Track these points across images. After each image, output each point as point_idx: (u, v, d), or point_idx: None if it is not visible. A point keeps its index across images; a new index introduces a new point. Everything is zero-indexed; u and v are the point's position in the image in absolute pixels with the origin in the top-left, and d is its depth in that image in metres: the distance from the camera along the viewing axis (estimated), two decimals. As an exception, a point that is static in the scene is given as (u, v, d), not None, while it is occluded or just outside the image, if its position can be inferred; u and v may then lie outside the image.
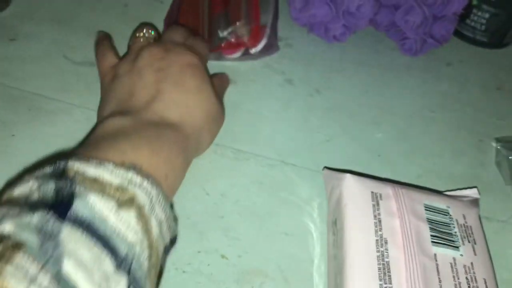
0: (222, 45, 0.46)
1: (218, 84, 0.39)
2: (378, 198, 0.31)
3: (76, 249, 0.20)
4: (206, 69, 0.36)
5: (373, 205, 0.31)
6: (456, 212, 0.32)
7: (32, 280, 0.18)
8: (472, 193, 0.36)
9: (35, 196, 0.21)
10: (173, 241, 0.27)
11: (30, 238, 0.19)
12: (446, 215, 0.32)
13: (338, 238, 0.31)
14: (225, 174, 0.38)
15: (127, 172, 0.24)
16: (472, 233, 0.31)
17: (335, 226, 0.32)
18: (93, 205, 0.21)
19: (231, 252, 0.33)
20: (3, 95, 0.40)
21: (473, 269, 0.29)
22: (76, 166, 0.23)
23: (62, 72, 0.43)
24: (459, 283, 0.28)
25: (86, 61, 0.45)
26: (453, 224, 0.31)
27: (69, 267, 0.19)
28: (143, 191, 0.24)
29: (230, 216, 0.35)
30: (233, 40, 0.46)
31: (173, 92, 0.33)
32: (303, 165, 0.39)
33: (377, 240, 0.29)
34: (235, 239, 0.34)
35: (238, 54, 0.47)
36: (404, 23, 0.50)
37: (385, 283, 0.27)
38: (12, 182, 0.23)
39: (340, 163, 0.40)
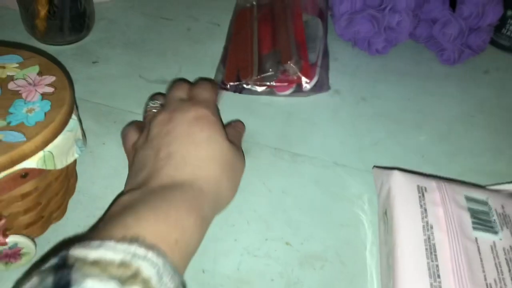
0: (274, 83, 0.50)
1: (232, 133, 0.40)
2: (423, 190, 0.36)
3: None
4: (216, 113, 0.37)
5: (419, 197, 0.35)
6: (495, 202, 0.36)
7: None
8: (510, 187, 0.40)
9: None
10: None
11: None
12: (486, 205, 0.36)
13: (388, 226, 0.35)
14: (284, 174, 0.43)
15: (129, 246, 0.23)
16: (510, 220, 0.35)
17: (385, 216, 0.36)
18: None
19: (294, 240, 0.38)
20: (93, 110, 0.47)
21: (511, 251, 0.33)
22: (77, 252, 0.23)
23: (139, 90, 0.50)
24: (499, 262, 0.32)
25: (158, 79, 0.51)
26: (491, 212, 0.35)
27: None
28: (148, 262, 0.23)
29: (291, 210, 0.40)
30: (285, 78, 0.50)
31: (183, 151, 0.33)
32: (353, 166, 0.44)
33: (423, 225, 0.33)
34: (297, 229, 0.39)
35: (290, 91, 0.51)
36: (442, 35, 0.54)
37: (432, 261, 0.31)
38: (20, 280, 0.24)
39: (387, 163, 0.44)
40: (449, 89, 0.54)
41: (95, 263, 0.22)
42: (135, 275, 0.22)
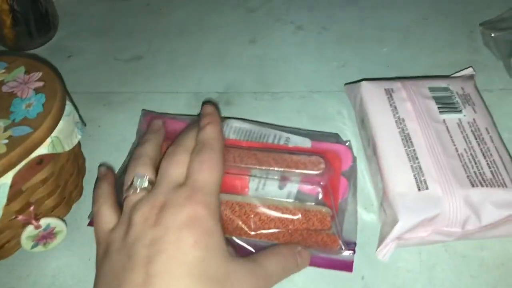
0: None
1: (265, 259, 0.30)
2: (391, 91, 0.40)
3: None
4: (216, 207, 0.29)
5: (388, 98, 0.39)
6: (455, 86, 0.40)
7: None
8: (468, 71, 0.44)
9: None
10: None
11: None
12: (447, 90, 0.40)
13: (367, 130, 0.39)
14: (268, 113, 0.47)
15: None
16: (470, 98, 0.39)
17: (363, 123, 0.41)
18: None
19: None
20: (81, 100, 0.50)
21: (475, 123, 0.37)
22: None
23: (117, 70, 0.53)
24: (466, 135, 0.36)
25: (133, 57, 0.54)
26: (453, 95, 0.39)
27: None
28: None
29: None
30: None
31: (168, 276, 0.26)
32: (328, 89, 0.48)
33: (396, 120, 0.37)
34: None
35: None
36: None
37: (408, 147, 0.35)
38: None
39: (357, 80, 0.48)
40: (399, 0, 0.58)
41: None
42: None
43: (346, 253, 0.33)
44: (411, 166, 0.35)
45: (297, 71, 0.51)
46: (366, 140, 0.40)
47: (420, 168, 0.34)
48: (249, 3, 0.60)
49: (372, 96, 0.40)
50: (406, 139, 0.36)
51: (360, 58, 0.51)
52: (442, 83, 0.41)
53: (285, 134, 0.39)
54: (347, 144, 0.39)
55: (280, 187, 0.34)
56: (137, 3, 0.62)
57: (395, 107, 0.39)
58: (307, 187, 0.34)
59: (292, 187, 0.34)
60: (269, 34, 0.56)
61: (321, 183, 0.34)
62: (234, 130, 0.39)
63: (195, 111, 0.47)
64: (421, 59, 0.50)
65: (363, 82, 0.41)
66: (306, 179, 0.34)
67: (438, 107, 0.38)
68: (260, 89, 0.49)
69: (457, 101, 0.39)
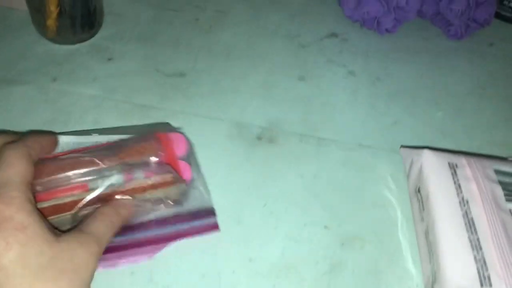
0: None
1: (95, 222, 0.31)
2: (455, 166, 0.37)
3: None
4: (28, 197, 0.27)
5: (452, 173, 0.37)
6: (521, 173, 0.38)
7: None
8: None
9: None
10: None
11: None
12: (514, 176, 0.37)
13: (424, 204, 0.37)
14: (312, 159, 0.44)
15: None
16: (537, 189, 0.37)
17: (418, 193, 0.38)
18: None
19: (332, 222, 0.39)
20: (117, 109, 0.47)
21: (542, 218, 0.35)
22: None
23: (157, 84, 0.50)
24: (532, 231, 0.34)
25: (176, 72, 0.52)
26: (520, 183, 0.37)
27: None
28: None
29: (324, 194, 0.41)
30: None
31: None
32: (378, 146, 0.45)
33: (459, 201, 0.35)
34: (332, 212, 0.40)
35: None
36: (449, 11, 0.55)
37: (472, 234, 0.33)
38: None
39: (409, 141, 0.46)
40: (458, 64, 0.56)
41: None
42: None
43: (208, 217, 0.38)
44: (474, 256, 0.32)
45: (347, 120, 0.48)
46: (419, 212, 0.38)
47: (484, 261, 0.32)
48: (301, 37, 0.58)
49: (435, 168, 0.37)
50: (470, 224, 0.34)
51: (413, 118, 0.49)
52: (508, 168, 0.38)
53: (115, 136, 0.38)
54: (178, 131, 0.42)
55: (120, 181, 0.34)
56: (187, 15, 0.60)
57: (459, 186, 0.36)
58: (149, 173, 0.35)
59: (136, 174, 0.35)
60: (319, 74, 0.53)
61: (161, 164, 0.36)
62: (65, 145, 0.37)
63: (236, 142, 0.45)
64: (476, 133, 0.48)
65: (426, 151, 0.39)
66: (144, 167, 0.35)
67: (505, 194, 0.36)
68: (306, 131, 0.46)
69: (523, 190, 0.36)
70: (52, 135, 0.35)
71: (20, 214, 0.26)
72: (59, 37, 0.53)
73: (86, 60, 0.52)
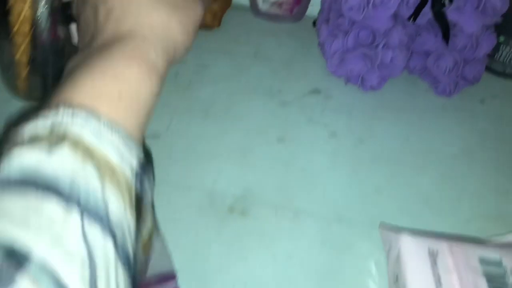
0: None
1: None
2: (435, 255, 0.34)
3: (8, 206, 0.19)
4: None
5: (431, 262, 0.34)
6: (509, 260, 0.35)
7: None
8: (521, 237, 0.39)
9: None
10: (145, 164, 0.25)
11: None
12: (500, 266, 0.34)
13: (401, 295, 0.34)
14: (287, 236, 0.41)
15: (56, 115, 0.22)
16: (526, 281, 0.34)
17: (397, 282, 0.35)
18: (21, 161, 0.21)
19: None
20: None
21: (530, 317, 0.32)
22: (15, 132, 0.23)
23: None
24: (519, 332, 0.31)
25: (149, 133, 0.49)
26: (507, 275, 0.34)
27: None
28: (77, 124, 0.22)
29: (298, 279, 0.38)
30: None
31: (122, 2, 0.29)
32: (359, 219, 0.43)
33: (439, 297, 0.32)
34: (305, 298, 0.37)
35: None
36: (436, 68, 0.53)
37: None
38: None
39: (392, 214, 0.43)
40: (447, 123, 0.53)
41: (29, 137, 0.22)
42: (62, 138, 0.21)
43: None
44: None
45: (326, 188, 0.45)
46: (397, 303, 0.35)
47: None
48: (282, 94, 0.55)
49: (413, 256, 0.35)
50: (449, 327, 0.31)
51: (397, 187, 0.46)
52: (494, 254, 0.35)
53: None
54: None
55: None
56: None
57: (439, 278, 0.33)
58: None
59: None
60: (299, 136, 0.51)
61: None
62: None
63: (206, 216, 0.42)
64: (464, 204, 0.45)
65: (404, 236, 0.36)
66: None
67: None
68: (282, 202, 0.44)
69: (510, 282, 0.33)
70: None
71: None
72: (29, 96, 0.51)
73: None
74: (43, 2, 0.44)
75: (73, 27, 0.38)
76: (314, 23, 0.64)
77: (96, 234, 0.20)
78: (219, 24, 0.65)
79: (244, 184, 0.45)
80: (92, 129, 0.22)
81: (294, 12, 0.65)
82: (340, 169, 0.47)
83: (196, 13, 0.32)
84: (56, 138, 0.21)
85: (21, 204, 0.19)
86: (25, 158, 0.21)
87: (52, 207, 0.19)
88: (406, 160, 0.49)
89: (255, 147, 0.49)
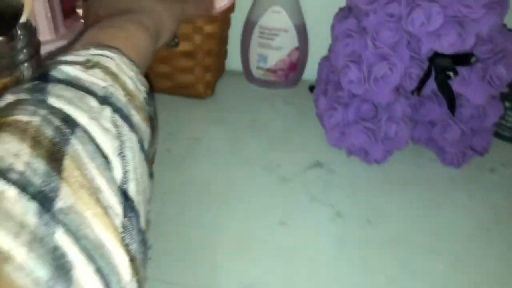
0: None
1: None
2: None
3: (60, 92, 0.24)
4: None
5: None
6: None
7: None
8: None
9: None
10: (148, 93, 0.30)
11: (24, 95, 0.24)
12: None
13: None
14: None
15: (87, 50, 0.28)
16: None
17: None
18: (65, 71, 0.26)
19: None
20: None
21: None
22: (53, 62, 0.27)
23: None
24: None
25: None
26: None
27: (53, 100, 0.24)
28: (105, 58, 0.28)
29: None
30: None
31: None
32: (371, 318, 0.39)
33: None
34: None
35: None
36: (442, 139, 0.50)
37: None
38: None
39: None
40: (457, 196, 0.50)
41: (70, 62, 0.27)
42: (95, 64, 0.27)
43: None
44: None
45: (333, 281, 0.42)
46: None
47: None
48: (282, 169, 0.52)
49: None
50: None
51: (411, 275, 0.42)
52: None
53: None
54: None
55: None
56: (158, 145, 0.55)
57: None
58: None
59: None
60: (302, 217, 0.47)
61: None
62: None
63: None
64: (485, 291, 0.41)
65: None
66: None
67: None
68: (287, 298, 0.40)
69: None
70: None
71: None
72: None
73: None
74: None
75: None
76: (311, 89, 0.62)
77: (123, 125, 0.25)
78: (212, 93, 0.62)
79: (245, 279, 0.41)
80: (115, 63, 0.28)
81: (289, 78, 0.63)
82: (348, 256, 0.44)
83: (177, 6, 0.40)
84: (91, 64, 0.27)
85: (70, 94, 0.24)
86: (69, 70, 0.26)
87: (91, 101, 0.25)
88: (417, 242, 0.45)
89: (256, 233, 0.45)
